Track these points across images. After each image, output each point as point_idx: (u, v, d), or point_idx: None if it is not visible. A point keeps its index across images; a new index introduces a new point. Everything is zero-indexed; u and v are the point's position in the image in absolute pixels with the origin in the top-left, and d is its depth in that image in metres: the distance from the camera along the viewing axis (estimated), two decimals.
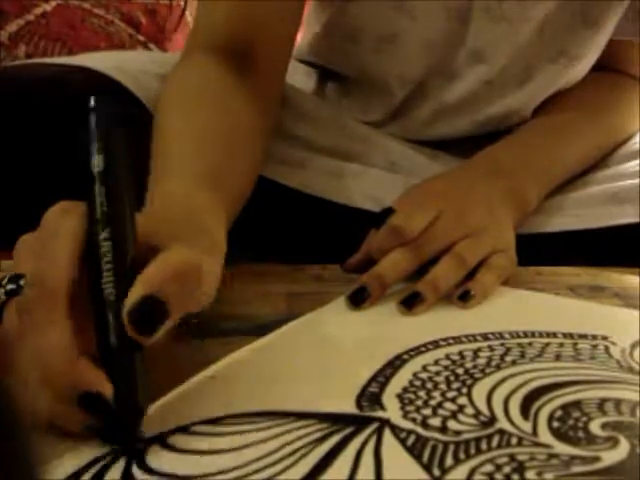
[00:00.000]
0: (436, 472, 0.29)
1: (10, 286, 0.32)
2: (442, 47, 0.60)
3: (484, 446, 0.31)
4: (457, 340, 0.42)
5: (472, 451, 0.30)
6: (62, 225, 0.30)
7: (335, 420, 0.33)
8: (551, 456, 0.30)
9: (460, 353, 0.40)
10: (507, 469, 0.29)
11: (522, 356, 0.39)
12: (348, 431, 0.32)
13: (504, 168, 0.56)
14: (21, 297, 0.29)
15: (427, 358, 0.39)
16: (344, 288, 0.47)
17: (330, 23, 0.63)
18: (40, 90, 0.58)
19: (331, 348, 0.41)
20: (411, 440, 0.31)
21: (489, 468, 0.29)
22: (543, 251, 0.56)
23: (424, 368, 0.38)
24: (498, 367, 0.38)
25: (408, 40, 0.60)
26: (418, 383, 0.36)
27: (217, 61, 0.52)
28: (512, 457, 0.30)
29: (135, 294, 0.28)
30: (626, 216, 0.55)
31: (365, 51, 0.62)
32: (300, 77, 0.69)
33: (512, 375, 0.37)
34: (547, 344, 0.41)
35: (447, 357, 0.39)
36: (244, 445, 0.31)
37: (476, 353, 0.40)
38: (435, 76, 0.62)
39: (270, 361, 0.39)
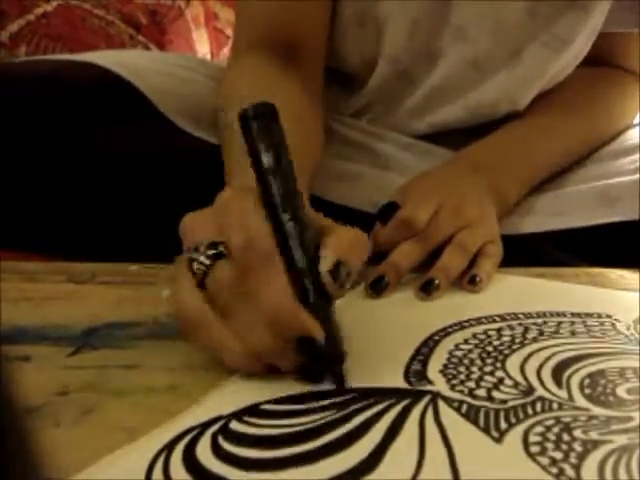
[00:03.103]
0: (494, 434, 0.32)
1: (211, 251, 0.36)
2: (426, 26, 0.61)
3: (530, 411, 0.34)
4: (478, 321, 0.44)
5: (521, 415, 0.34)
6: (248, 204, 0.36)
7: (391, 394, 0.35)
8: (591, 417, 0.33)
9: (485, 332, 0.43)
10: (556, 429, 0.33)
11: (541, 334, 0.43)
12: (405, 403, 0.35)
13: (482, 166, 0.58)
14: (239, 258, 0.35)
15: (457, 338, 0.42)
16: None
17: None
18: (41, 84, 0.58)
19: (366, 330, 0.43)
20: (464, 408, 0.34)
21: (540, 429, 0.33)
22: (538, 252, 0.58)
23: (457, 347, 0.41)
24: (522, 344, 0.41)
25: (395, 20, 0.62)
26: (456, 360, 0.39)
27: (264, 58, 0.55)
28: (557, 419, 0.33)
29: (330, 260, 0.36)
30: (617, 215, 0.57)
31: (366, 34, 0.63)
32: None
33: (537, 350, 0.40)
34: (560, 322, 0.44)
35: (474, 336, 0.42)
36: (311, 421, 0.33)
37: (499, 332, 0.43)
38: (420, 58, 0.63)
39: None
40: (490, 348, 0.41)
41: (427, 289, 0.48)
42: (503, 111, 0.65)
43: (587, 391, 0.36)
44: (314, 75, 0.58)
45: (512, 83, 0.64)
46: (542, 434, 0.32)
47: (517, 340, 0.42)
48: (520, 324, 0.44)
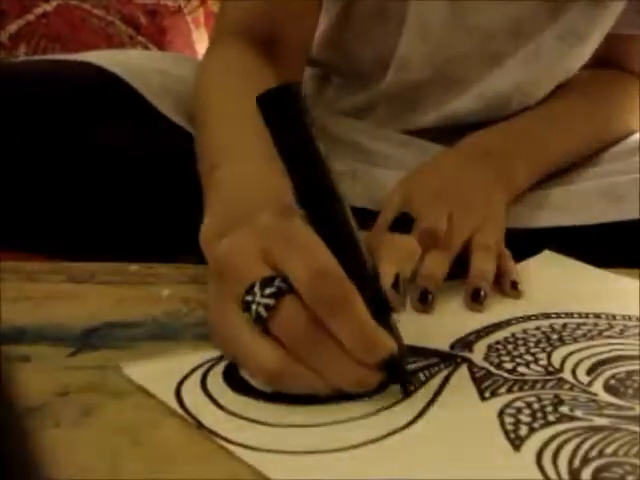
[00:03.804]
0: (486, 394, 0.34)
1: (269, 289, 0.33)
2: (440, 30, 0.61)
3: (538, 386, 0.36)
4: (569, 315, 0.44)
5: (526, 387, 0.36)
6: (299, 227, 0.34)
7: (425, 353, 0.38)
8: (591, 400, 0.34)
9: (564, 325, 0.43)
10: (546, 402, 0.34)
11: (621, 333, 0.42)
12: (431, 361, 0.38)
13: (492, 151, 0.57)
14: (310, 292, 0.32)
15: (531, 325, 0.43)
16: None
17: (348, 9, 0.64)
18: (38, 83, 0.57)
19: (442, 311, 0.45)
20: (480, 374, 0.37)
21: (531, 399, 0.34)
22: (539, 247, 0.56)
23: (524, 331, 0.42)
24: (592, 338, 0.41)
25: (409, 22, 0.61)
26: (512, 339, 0.41)
27: (248, 47, 0.55)
28: (556, 395, 0.35)
29: (391, 275, 0.35)
30: (623, 213, 0.56)
31: (387, 33, 0.62)
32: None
33: (598, 345, 0.40)
34: (611, 324, 0.43)
35: (550, 326, 0.43)
36: None
37: (579, 326, 0.43)
38: (433, 63, 0.63)
39: None
40: (555, 336, 0.41)
41: (478, 299, 0.46)
42: (515, 104, 0.64)
43: (612, 382, 0.36)
44: (292, 74, 0.58)
45: (528, 75, 0.63)
46: (529, 403, 0.34)
47: (589, 334, 0.41)
48: (609, 323, 0.43)
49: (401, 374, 0.35)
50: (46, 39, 0.84)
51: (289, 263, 0.33)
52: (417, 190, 0.53)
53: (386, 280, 0.34)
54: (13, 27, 0.83)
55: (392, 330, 0.34)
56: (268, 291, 0.33)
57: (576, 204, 0.58)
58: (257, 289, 0.33)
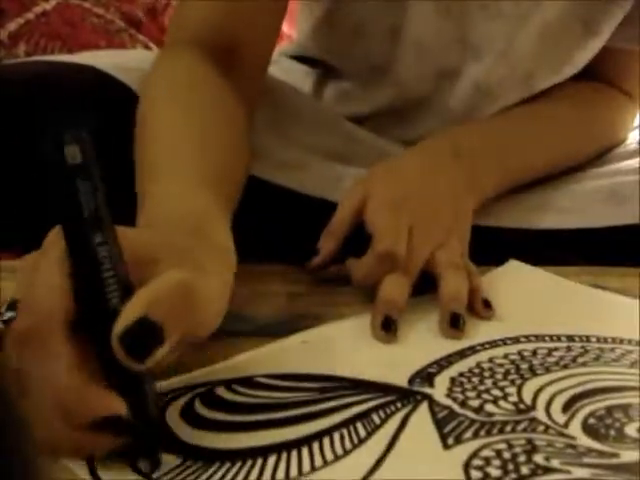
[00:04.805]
0: (450, 442, 0.31)
1: (9, 314, 0.30)
2: (437, 46, 0.60)
3: (508, 428, 0.33)
4: (539, 338, 0.42)
5: (494, 431, 0.32)
6: (52, 248, 0.29)
7: (381, 390, 0.35)
8: (569, 446, 0.31)
9: (535, 351, 0.40)
10: (518, 450, 0.31)
11: (597, 359, 0.39)
12: (387, 399, 0.35)
13: (465, 152, 0.55)
14: (15, 326, 0.28)
15: (498, 352, 0.40)
16: (344, 288, 0.48)
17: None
18: (38, 88, 0.57)
19: (401, 337, 0.42)
20: (443, 414, 0.34)
21: (501, 446, 0.31)
22: (540, 248, 0.56)
23: (491, 360, 0.39)
24: (565, 366, 0.38)
25: (407, 36, 0.60)
26: (477, 370, 0.38)
27: (202, 56, 0.52)
28: (529, 441, 0.32)
29: (129, 317, 0.27)
30: (626, 217, 0.55)
31: (376, 46, 0.62)
32: (298, 77, 0.69)
33: (573, 375, 0.38)
34: (629, 351, 0.40)
35: (519, 353, 0.40)
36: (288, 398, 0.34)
37: (551, 352, 0.40)
38: (430, 80, 0.63)
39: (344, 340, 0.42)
40: (525, 366, 0.38)
41: (458, 325, 0.43)
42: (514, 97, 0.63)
43: (591, 421, 0.33)
44: (252, 81, 0.55)
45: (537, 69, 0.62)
46: (498, 451, 0.31)
47: (562, 363, 0.39)
48: (583, 347, 0.41)
49: (142, 446, 0.28)
50: (46, 38, 0.84)
51: (22, 289, 0.29)
52: (375, 197, 0.49)
53: (119, 326, 0.27)
54: (13, 26, 0.84)
55: (135, 391, 0.28)
56: (8, 315, 0.30)
57: (580, 206, 0.57)
58: (4, 309, 0.30)
